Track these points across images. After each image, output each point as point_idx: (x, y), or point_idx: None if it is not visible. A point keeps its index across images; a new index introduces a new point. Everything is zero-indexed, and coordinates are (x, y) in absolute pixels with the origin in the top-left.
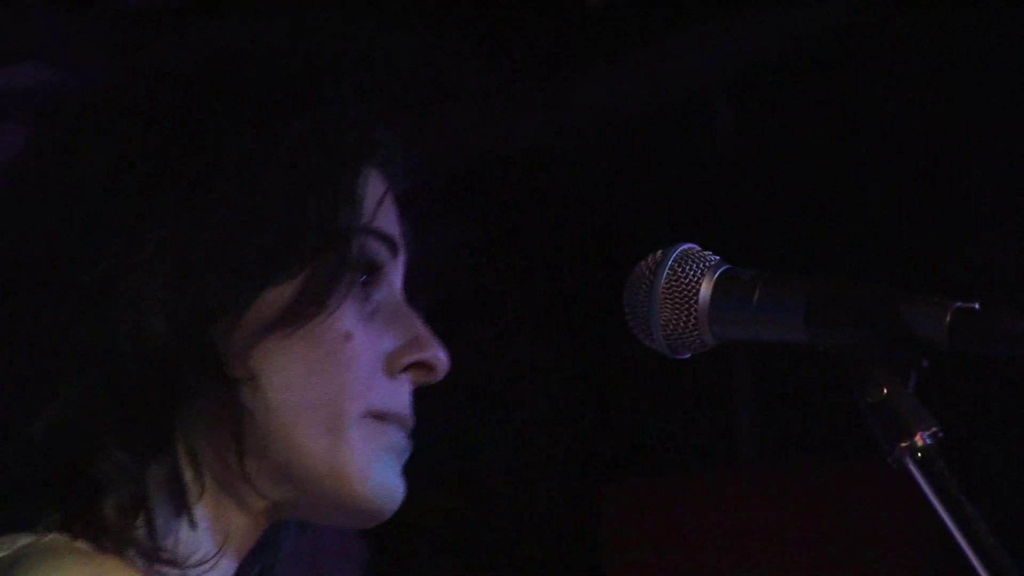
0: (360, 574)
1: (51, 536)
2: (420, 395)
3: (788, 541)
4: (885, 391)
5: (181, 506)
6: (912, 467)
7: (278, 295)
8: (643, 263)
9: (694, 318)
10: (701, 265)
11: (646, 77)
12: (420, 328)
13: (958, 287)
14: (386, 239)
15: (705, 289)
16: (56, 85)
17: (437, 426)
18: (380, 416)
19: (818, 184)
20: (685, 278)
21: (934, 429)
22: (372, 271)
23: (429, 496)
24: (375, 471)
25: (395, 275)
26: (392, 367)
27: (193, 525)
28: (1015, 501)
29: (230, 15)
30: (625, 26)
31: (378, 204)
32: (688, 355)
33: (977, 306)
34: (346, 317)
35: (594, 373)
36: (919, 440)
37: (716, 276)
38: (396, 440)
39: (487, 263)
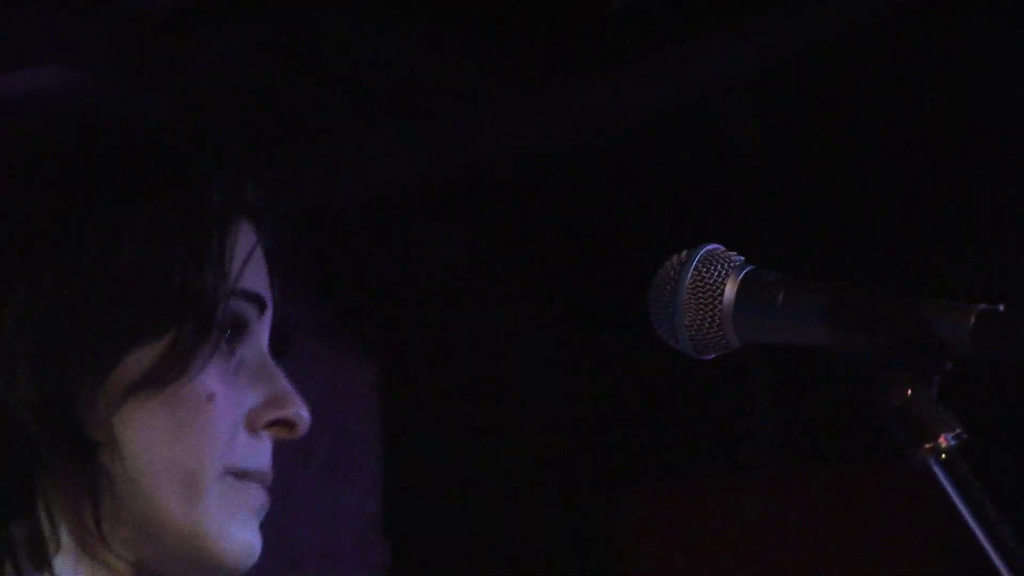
0: None
1: None
2: (436, 402)
3: (804, 547)
4: (908, 393)
5: (40, 564)
6: (936, 469)
7: (139, 358)
8: (668, 264)
9: (718, 319)
10: (726, 266)
11: (667, 78)
12: (282, 385)
13: (980, 287)
14: (253, 298)
15: (730, 290)
16: (76, 88)
17: (458, 434)
18: (240, 474)
19: (839, 185)
20: (710, 279)
21: (958, 431)
22: (237, 328)
23: (448, 503)
24: (232, 530)
25: (261, 330)
26: (254, 424)
27: None
28: None
29: (240, 18)
30: (647, 27)
31: (245, 261)
32: (712, 356)
33: (1002, 308)
34: (209, 377)
35: (612, 380)
36: (943, 442)
37: (740, 277)
38: (255, 498)
39: (506, 267)
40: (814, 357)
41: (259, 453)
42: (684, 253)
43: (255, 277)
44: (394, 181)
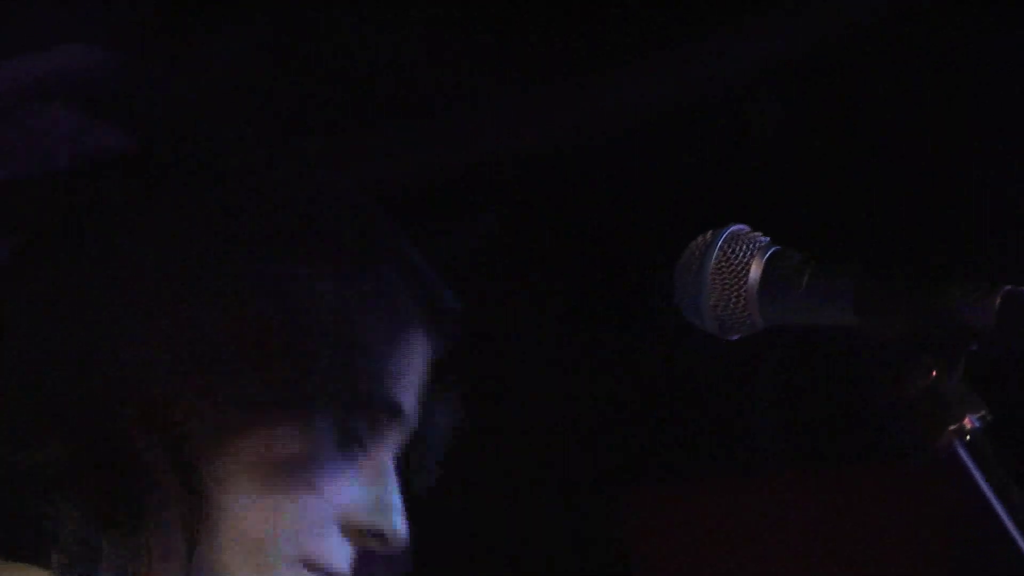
0: None
1: None
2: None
3: (808, 547)
4: (933, 375)
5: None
6: (961, 451)
7: (273, 437)
8: (694, 244)
9: (744, 299)
10: (751, 246)
11: (690, 70)
12: (392, 497)
13: (1004, 272)
14: (396, 409)
15: (755, 270)
16: (102, 66)
17: (460, 431)
18: (313, 567)
19: (861, 174)
20: (735, 258)
21: (983, 412)
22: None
23: (448, 502)
24: None
25: (391, 436)
26: (348, 524)
27: None
28: None
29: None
30: (669, 18)
31: (401, 373)
32: (737, 336)
33: None
34: (325, 469)
35: (614, 379)
36: (967, 424)
37: (766, 257)
38: None
39: (507, 265)
40: (818, 355)
41: (341, 554)
42: (710, 233)
43: (402, 387)
44: (394, 180)
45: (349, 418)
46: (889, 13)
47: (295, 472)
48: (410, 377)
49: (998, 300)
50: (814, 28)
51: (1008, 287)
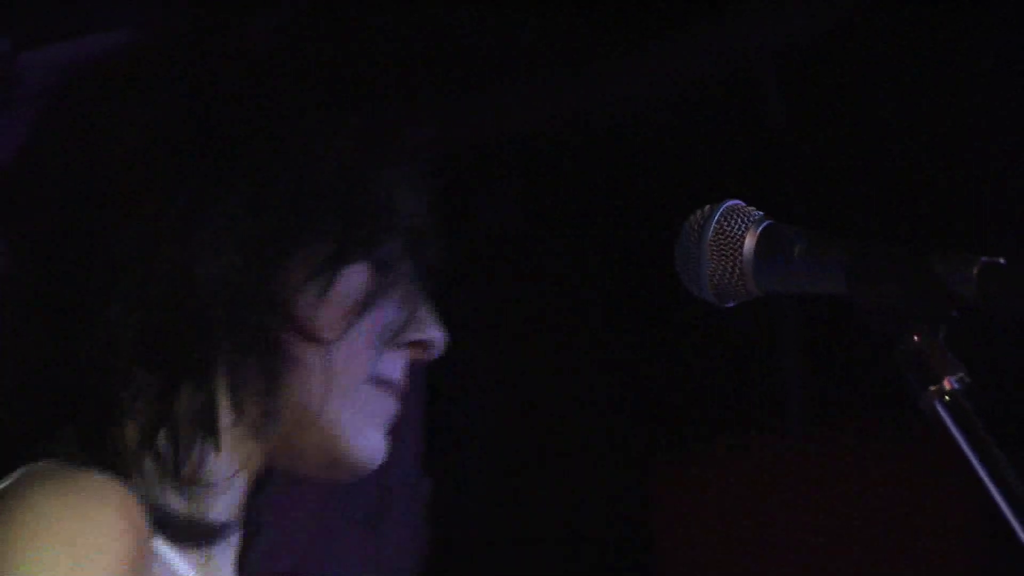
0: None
1: (42, 463)
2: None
3: (836, 507)
4: (916, 339)
5: (208, 435)
6: (940, 409)
7: (349, 275)
8: (692, 217)
9: (739, 269)
10: (746, 219)
11: (701, 53)
12: (425, 310)
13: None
14: (420, 232)
15: (749, 242)
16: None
17: (489, 402)
18: (379, 383)
19: (862, 153)
20: (731, 231)
21: (961, 375)
22: (403, 255)
23: (482, 469)
24: (366, 432)
25: (422, 267)
26: (396, 340)
27: (218, 451)
28: None
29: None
30: (681, 10)
31: (421, 199)
32: (733, 304)
33: (1003, 261)
34: (382, 304)
35: (642, 343)
36: (947, 384)
37: (760, 230)
38: (388, 406)
39: (538, 239)
40: (842, 320)
41: (397, 366)
42: (707, 207)
43: (423, 213)
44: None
45: (383, 248)
46: (880, 6)
47: (361, 305)
48: (416, 204)
49: (976, 271)
50: (816, 19)
51: (985, 259)
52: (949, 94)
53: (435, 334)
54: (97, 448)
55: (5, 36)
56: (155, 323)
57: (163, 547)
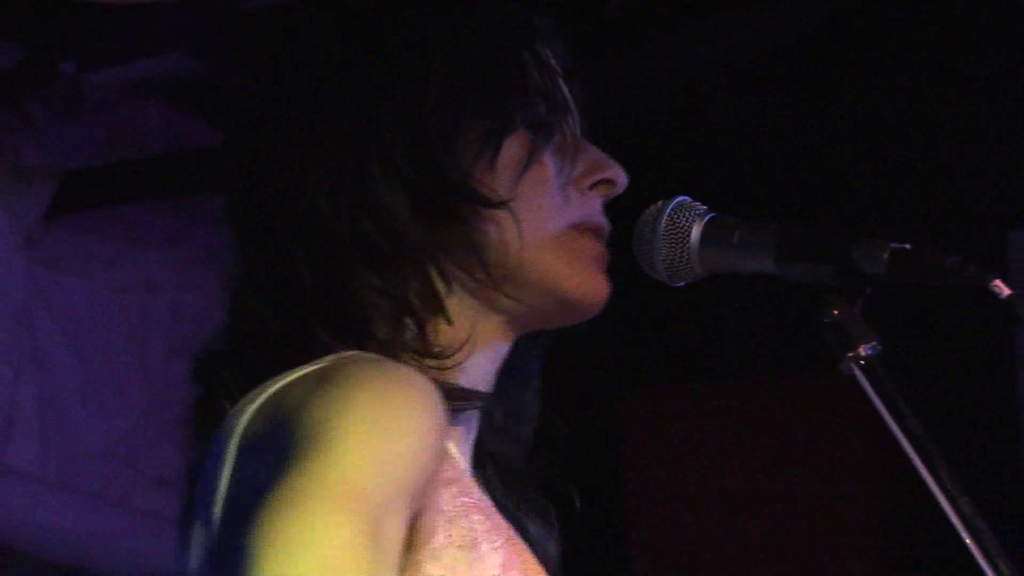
0: None
1: (352, 352)
2: None
3: (775, 448)
4: (837, 312)
5: (437, 310)
6: (857, 373)
7: (509, 145)
8: (647, 211)
9: (687, 254)
10: (693, 213)
11: (655, 69)
12: (598, 155)
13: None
14: (561, 102)
15: (696, 232)
16: (191, 73)
17: None
18: (579, 227)
19: (795, 153)
20: (680, 223)
21: (874, 343)
22: (554, 124)
23: None
24: (579, 272)
25: (570, 121)
26: (581, 186)
27: (450, 322)
28: (946, 406)
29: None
30: (639, 26)
31: (549, 77)
32: (683, 283)
33: (909, 246)
34: (543, 156)
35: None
36: (862, 351)
37: (705, 221)
38: (590, 246)
39: None
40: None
41: (591, 207)
42: (660, 203)
43: (559, 85)
44: None
45: (531, 112)
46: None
47: (525, 163)
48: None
49: (887, 255)
50: (755, 35)
51: (894, 244)
52: (867, 105)
53: (615, 170)
54: (367, 347)
55: (71, 59)
56: (360, 224)
57: None
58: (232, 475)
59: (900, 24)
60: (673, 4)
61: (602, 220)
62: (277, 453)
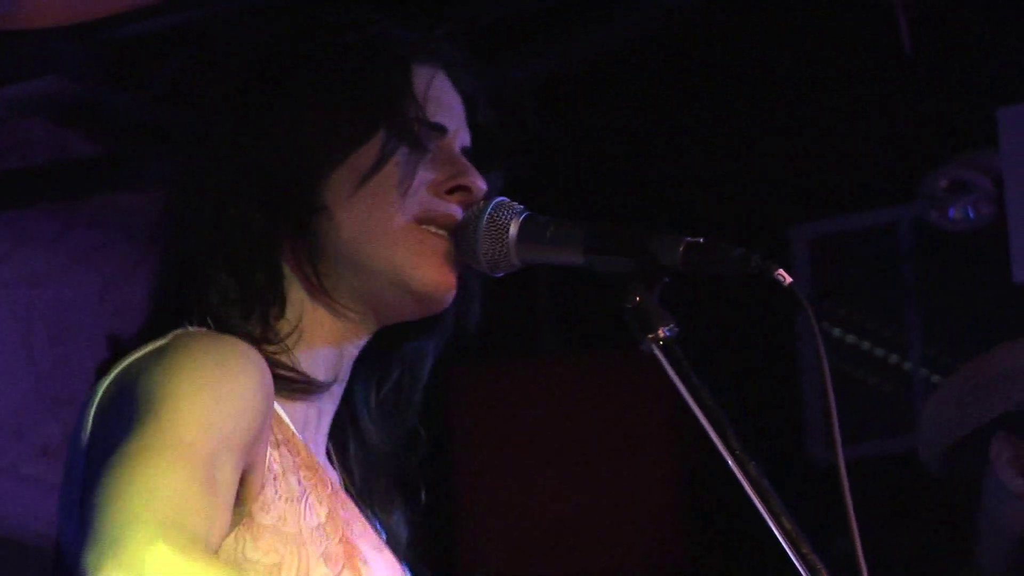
0: None
1: (193, 328)
2: None
3: (578, 414)
4: (638, 299)
5: (273, 300)
6: (657, 353)
7: (357, 155)
8: (470, 211)
9: (506, 248)
10: (511, 212)
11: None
12: (463, 165)
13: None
14: (434, 126)
15: (513, 228)
16: (70, 92)
17: None
18: (421, 219)
19: (602, 162)
20: (499, 220)
21: (672, 326)
22: (429, 138)
23: None
24: (421, 266)
25: (453, 139)
26: (439, 191)
27: (283, 312)
28: (737, 381)
29: (213, 40)
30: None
31: (430, 96)
32: (502, 274)
33: (702, 240)
34: (397, 163)
35: None
36: (662, 333)
37: (521, 219)
38: (434, 244)
39: None
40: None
41: (440, 207)
42: (482, 202)
43: (440, 110)
44: None
45: (401, 132)
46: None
47: (370, 169)
48: (437, 101)
49: (682, 247)
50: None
51: (688, 238)
52: (665, 118)
53: (472, 179)
54: (217, 326)
55: None
56: (223, 228)
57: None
58: (90, 438)
59: (692, 46)
60: (495, 29)
61: (447, 211)
62: (122, 415)
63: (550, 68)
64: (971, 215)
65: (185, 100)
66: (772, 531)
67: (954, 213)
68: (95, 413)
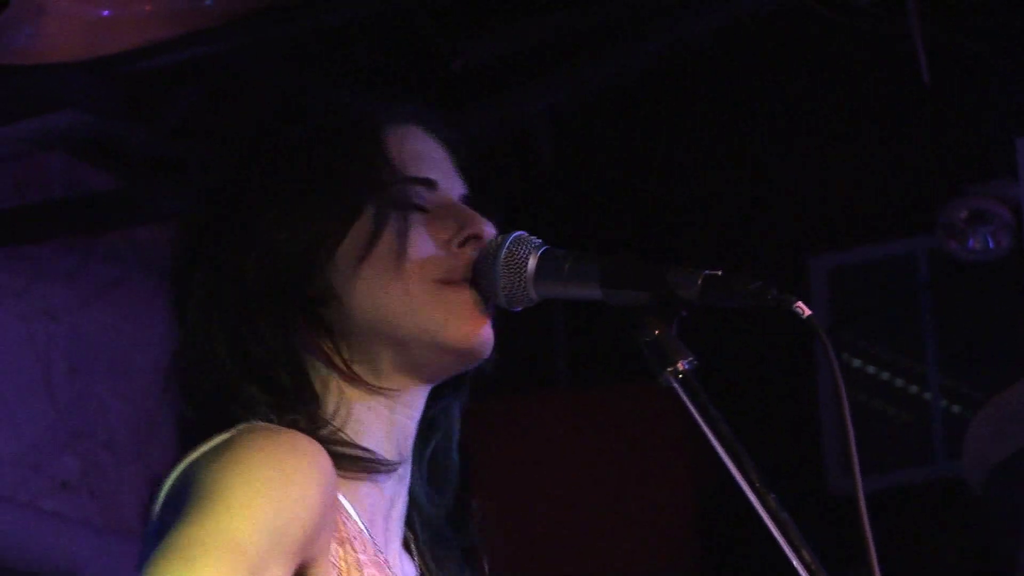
0: None
1: (256, 422)
2: None
3: (593, 447)
4: (656, 332)
5: (307, 393)
6: (676, 386)
7: (353, 234)
8: (489, 244)
9: (524, 283)
10: (529, 246)
11: (489, 120)
12: (464, 214)
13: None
14: (421, 181)
15: (532, 263)
16: (87, 126)
17: None
18: (443, 281)
19: (617, 191)
20: (518, 255)
21: (691, 358)
22: (420, 197)
23: None
24: (450, 322)
25: (445, 190)
26: (449, 248)
27: (319, 402)
28: (755, 415)
29: (219, 73)
30: (479, 80)
31: (409, 155)
32: (520, 308)
33: (720, 273)
34: (399, 232)
35: None
36: (680, 366)
37: (540, 254)
38: (458, 297)
39: None
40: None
41: (457, 262)
42: (499, 237)
43: (422, 164)
44: None
45: (388, 200)
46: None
47: (380, 246)
48: (418, 157)
49: (700, 280)
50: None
51: (707, 271)
52: (680, 149)
53: (480, 227)
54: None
55: None
56: (238, 340)
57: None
58: (154, 522)
59: (713, 76)
60: (509, 61)
61: (464, 264)
62: (179, 507)
63: (570, 97)
64: (990, 245)
65: (200, 135)
66: (791, 563)
67: (973, 243)
68: (160, 505)
